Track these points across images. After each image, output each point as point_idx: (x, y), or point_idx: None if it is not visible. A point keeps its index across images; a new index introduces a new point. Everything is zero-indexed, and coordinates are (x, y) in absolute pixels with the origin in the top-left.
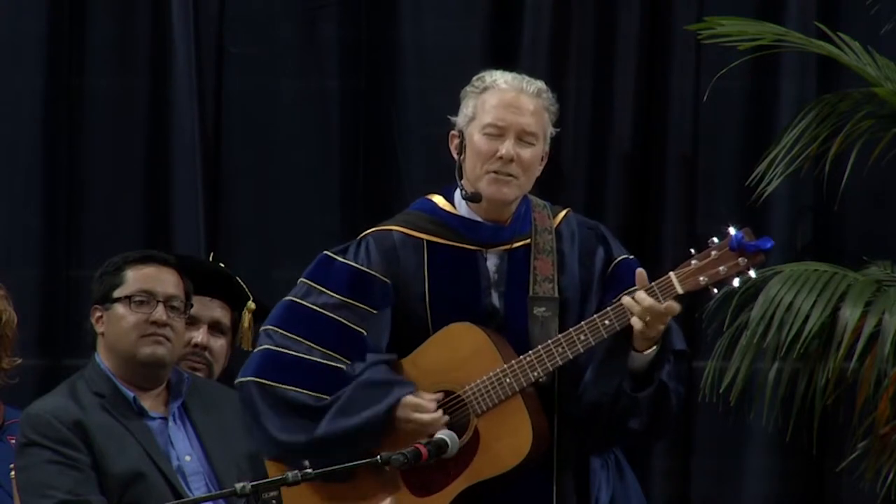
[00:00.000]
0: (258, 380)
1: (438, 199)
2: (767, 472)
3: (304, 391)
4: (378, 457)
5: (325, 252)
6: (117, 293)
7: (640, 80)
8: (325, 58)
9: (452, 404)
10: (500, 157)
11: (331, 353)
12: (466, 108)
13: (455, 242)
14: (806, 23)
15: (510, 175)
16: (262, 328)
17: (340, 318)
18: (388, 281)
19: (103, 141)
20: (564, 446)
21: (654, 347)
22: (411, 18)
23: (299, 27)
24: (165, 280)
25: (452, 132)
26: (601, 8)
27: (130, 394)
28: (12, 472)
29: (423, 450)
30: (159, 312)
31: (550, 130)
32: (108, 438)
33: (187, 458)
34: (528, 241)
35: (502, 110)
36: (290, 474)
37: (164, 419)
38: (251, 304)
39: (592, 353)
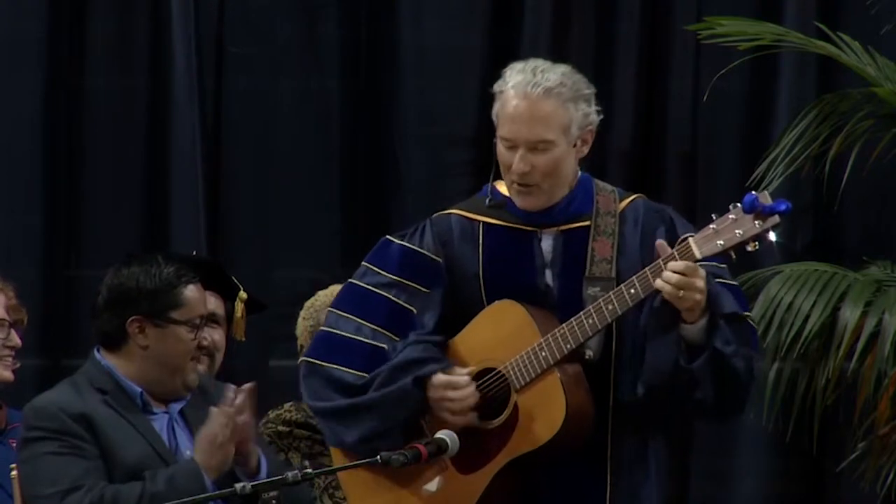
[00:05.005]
0: (309, 359)
1: (499, 184)
2: (767, 472)
3: (348, 370)
4: (378, 457)
5: (386, 236)
6: (177, 315)
7: (640, 79)
8: (325, 58)
9: (494, 381)
10: (515, 172)
11: (379, 329)
12: (494, 109)
13: (509, 223)
14: (806, 23)
15: (529, 185)
16: (327, 311)
17: (390, 296)
18: (439, 260)
19: (103, 141)
20: (621, 431)
21: (705, 317)
22: (411, 18)
23: (299, 27)
24: (205, 299)
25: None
26: (601, 8)
27: (137, 389)
28: (13, 473)
29: (423, 449)
30: (207, 337)
31: (579, 118)
32: (114, 431)
33: (188, 453)
34: (587, 222)
35: (510, 123)
36: (289, 474)
37: (167, 413)
38: (243, 294)
39: (647, 333)
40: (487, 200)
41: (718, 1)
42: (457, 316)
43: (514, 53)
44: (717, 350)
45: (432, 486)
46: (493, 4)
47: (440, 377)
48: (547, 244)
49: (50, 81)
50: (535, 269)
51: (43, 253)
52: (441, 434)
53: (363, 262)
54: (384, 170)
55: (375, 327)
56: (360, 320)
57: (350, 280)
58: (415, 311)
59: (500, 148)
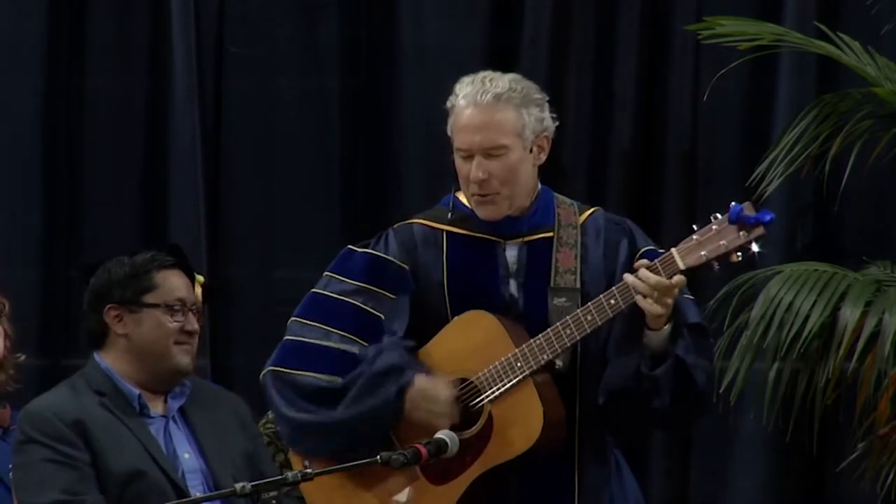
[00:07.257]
0: (275, 368)
1: (461, 195)
2: (767, 472)
3: (318, 375)
4: (378, 457)
5: (348, 246)
6: (151, 298)
7: (640, 79)
8: (325, 58)
9: (467, 391)
10: (472, 181)
11: (348, 335)
12: (448, 125)
13: (473, 233)
14: (805, 23)
15: (490, 193)
16: (289, 322)
17: (357, 302)
18: (405, 267)
19: (103, 141)
20: (587, 436)
21: (669, 324)
22: (411, 18)
23: (299, 27)
24: (188, 286)
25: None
26: (601, 8)
27: (135, 391)
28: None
29: (423, 450)
30: (193, 322)
31: (532, 122)
32: (108, 436)
33: (186, 455)
34: (550, 234)
35: (463, 134)
36: (289, 474)
37: (164, 417)
38: (200, 278)
39: (611, 340)
40: (450, 213)
41: (718, 1)
42: (421, 325)
43: (514, 53)
44: (679, 358)
45: (402, 497)
46: (493, 4)
47: (422, 384)
48: (511, 254)
49: (50, 81)
50: (500, 278)
51: (43, 253)
52: (441, 434)
53: (325, 273)
54: (384, 170)
55: (344, 333)
56: (327, 327)
57: (313, 290)
58: (383, 316)
59: (458, 161)
